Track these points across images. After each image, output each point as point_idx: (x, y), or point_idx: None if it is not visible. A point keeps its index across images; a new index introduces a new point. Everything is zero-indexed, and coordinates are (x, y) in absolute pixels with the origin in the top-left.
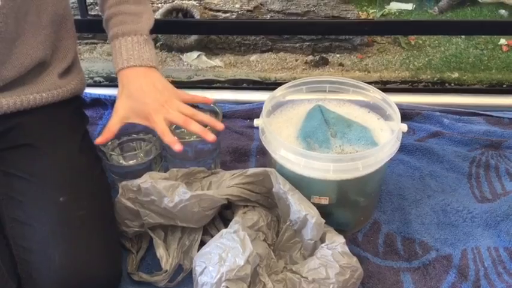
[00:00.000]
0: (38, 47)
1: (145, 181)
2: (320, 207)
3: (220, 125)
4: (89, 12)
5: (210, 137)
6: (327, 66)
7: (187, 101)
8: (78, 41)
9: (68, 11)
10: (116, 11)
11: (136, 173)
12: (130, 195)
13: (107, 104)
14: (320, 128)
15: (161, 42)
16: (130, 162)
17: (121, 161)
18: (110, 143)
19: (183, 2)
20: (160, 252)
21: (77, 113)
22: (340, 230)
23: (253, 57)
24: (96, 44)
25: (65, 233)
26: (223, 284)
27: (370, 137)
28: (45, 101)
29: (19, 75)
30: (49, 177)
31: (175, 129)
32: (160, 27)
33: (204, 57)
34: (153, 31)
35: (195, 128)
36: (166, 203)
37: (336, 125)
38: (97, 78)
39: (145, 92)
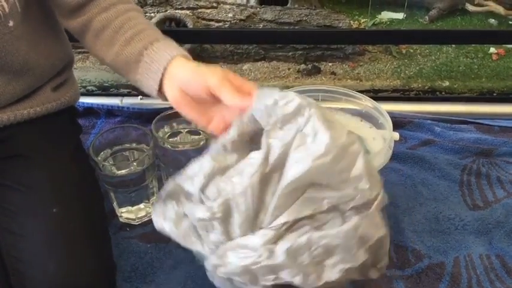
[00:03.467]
0: (42, 76)
1: None
2: None
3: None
4: None
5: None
6: (319, 75)
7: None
8: None
9: (64, 38)
10: (146, 27)
11: (129, 182)
12: None
13: (100, 113)
14: None
15: None
16: (123, 171)
17: (114, 171)
18: (102, 153)
19: (176, 11)
20: None
21: (70, 122)
22: None
23: (246, 66)
24: (89, 52)
25: (59, 244)
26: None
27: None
28: (39, 114)
29: (17, 98)
30: (42, 188)
31: (168, 137)
32: None
33: None
34: None
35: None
36: None
37: None
38: (90, 87)
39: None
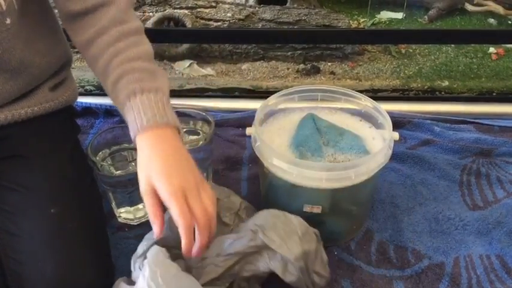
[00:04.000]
0: (40, 75)
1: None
2: (313, 217)
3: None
4: None
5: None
6: (319, 74)
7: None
8: None
9: (62, 36)
10: (129, 68)
11: (127, 182)
12: None
13: (98, 112)
14: (312, 136)
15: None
16: (122, 172)
17: (112, 171)
18: (101, 152)
19: (175, 10)
20: None
21: (68, 122)
22: (332, 238)
23: (245, 66)
24: None
25: (57, 245)
26: None
27: (362, 145)
28: (37, 114)
29: (14, 97)
30: (40, 188)
31: None
32: (152, 36)
33: (195, 66)
34: None
35: (204, 239)
36: None
37: (328, 133)
38: (88, 87)
39: (172, 169)
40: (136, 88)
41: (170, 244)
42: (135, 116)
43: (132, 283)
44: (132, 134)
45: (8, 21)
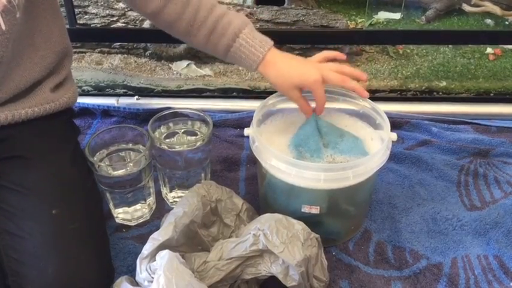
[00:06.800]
0: (34, 69)
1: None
2: (311, 217)
3: (364, 93)
4: (78, 21)
5: (365, 94)
6: None
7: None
8: None
9: (63, 31)
10: (215, 18)
11: (125, 183)
12: None
13: (96, 113)
14: (313, 137)
15: (150, 52)
16: (120, 172)
17: (110, 172)
18: (98, 153)
19: None
20: None
21: (68, 124)
22: (330, 239)
23: None
24: (85, 53)
25: (58, 246)
26: None
27: (362, 147)
28: (37, 115)
29: (12, 96)
30: (41, 189)
31: (165, 138)
32: (150, 37)
33: (193, 66)
34: (142, 40)
35: (352, 84)
36: None
37: (328, 134)
38: (85, 88)
39: (294, 65)
40: (235, 30)
41: (172, 245)
42: (249, 52)
43: (136, 284)
44: (253, 65)
45: (18, 14)
